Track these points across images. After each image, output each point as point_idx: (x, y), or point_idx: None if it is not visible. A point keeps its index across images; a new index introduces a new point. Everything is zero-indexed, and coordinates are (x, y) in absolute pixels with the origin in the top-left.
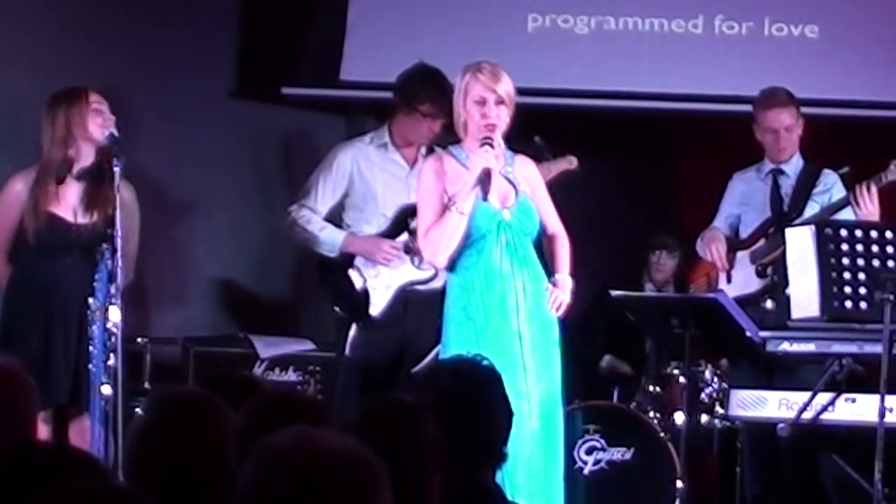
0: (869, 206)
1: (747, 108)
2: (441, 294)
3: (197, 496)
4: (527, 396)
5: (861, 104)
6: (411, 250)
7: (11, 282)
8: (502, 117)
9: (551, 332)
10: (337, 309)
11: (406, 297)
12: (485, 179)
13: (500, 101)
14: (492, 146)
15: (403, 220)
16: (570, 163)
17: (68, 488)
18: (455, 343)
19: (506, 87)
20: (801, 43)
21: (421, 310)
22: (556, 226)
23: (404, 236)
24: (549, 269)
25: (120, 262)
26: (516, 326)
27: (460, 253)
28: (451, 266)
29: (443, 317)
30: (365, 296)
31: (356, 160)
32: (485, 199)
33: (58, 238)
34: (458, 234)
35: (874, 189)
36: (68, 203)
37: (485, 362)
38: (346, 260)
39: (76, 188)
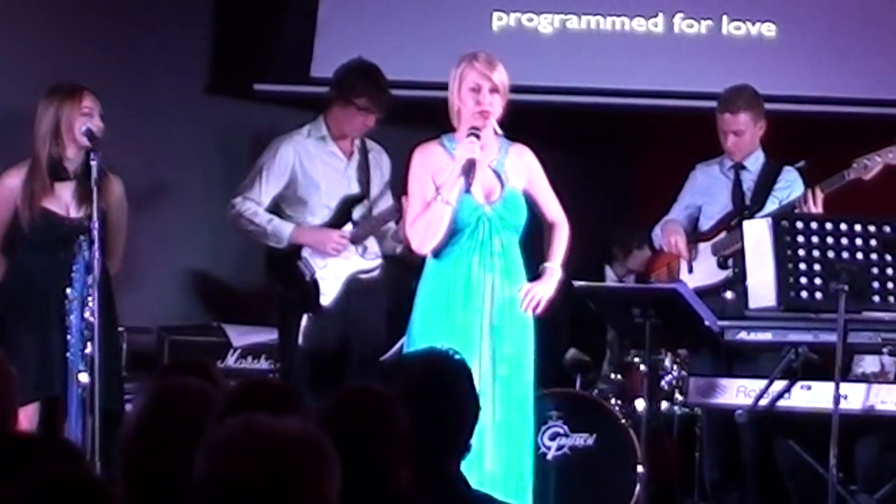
0: (813, 210)
1: (707, 104)
2: (381, 281)
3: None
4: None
5: (818, 100)
6: (357, 240)
7: (6, 274)
8: (496, 105)
9: (524, 330)
10: (287, 299)
11: (348, 285)
12: (468, 170)
13: (494, 90)
14: (478, 137)
15: (347, 211)
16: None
17: (36, 473)
18: (419, 329)
19: (500, 76)
20: (759, 41)
21: (363, 296)
22: (556, 214)
23: (349, 226)
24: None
25: (97, 254)
26: (480, 321)
27: (443, 242)
28: (434, 254)
29: (414, 301)
30: (314, 286)
31: (298, 153)
32: (467, 190)
33: (52, 232)
34: (442, 223)
35: (819, 194)
36: (61, 199)
37: (457, 356)
38: (293, 251)
39: (69, 184)
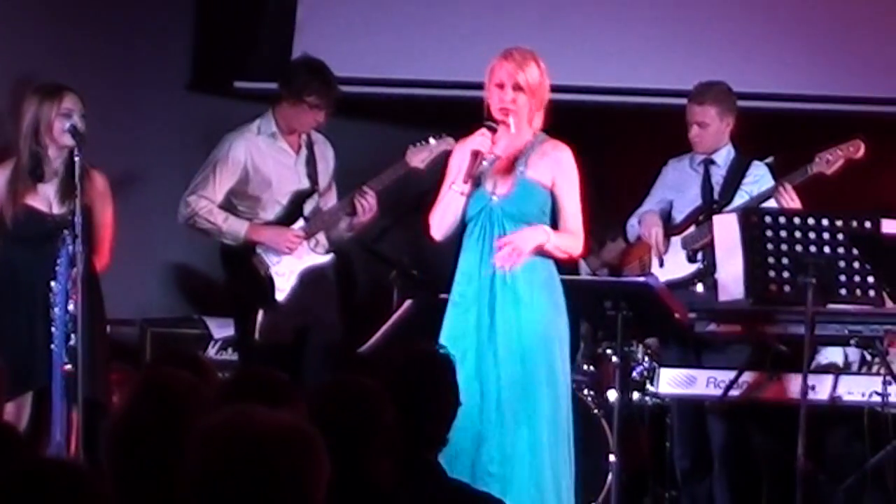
0: (790, 204)
1: (679, 100)
2: (333, 272)
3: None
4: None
5: (784, 97)
6: (309, 235)
7: None
8: (519, 103)
9: (530, 325)
10: (243, 294)
11: (301, 278)
12: (472, 162)
13: (518, 88)
14: (492, 129)
15: (298, 206)
16: (449, 144)
17: (22, 463)
18: (446, 317)
19: (527, 75)
20: (729, 38)
21: (316, 288)
22: (569, 222)
23: (300, 222)
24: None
25: (80, 248)
26: (478, 313)
27: (461, 233)
28: (458, 243)
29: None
30: (269, 282)
31: (249, 151)
32: (465, 181)
33: (35, 228)
34: (452, 211)
35: (790, 187)
36: (44, 196)
37: (441, 350)
38: (247, 248)
39: (52, 181)
